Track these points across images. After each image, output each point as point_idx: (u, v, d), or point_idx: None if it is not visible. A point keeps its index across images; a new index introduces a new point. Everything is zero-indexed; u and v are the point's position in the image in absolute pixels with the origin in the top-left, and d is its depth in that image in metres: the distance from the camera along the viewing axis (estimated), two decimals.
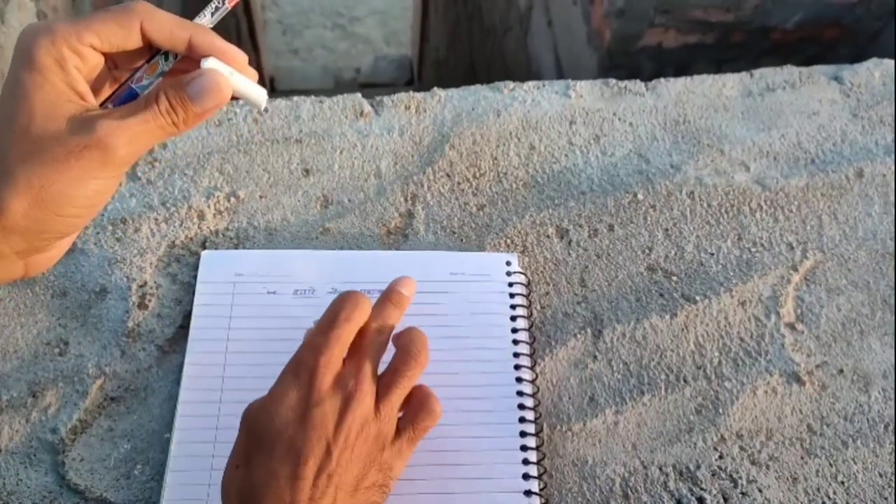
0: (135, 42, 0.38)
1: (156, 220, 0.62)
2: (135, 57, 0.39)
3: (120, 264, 0.60)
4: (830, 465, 0.56)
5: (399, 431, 0.48)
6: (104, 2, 1.28)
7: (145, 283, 0.59)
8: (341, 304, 0.48)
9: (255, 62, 3.26)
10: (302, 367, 0.46)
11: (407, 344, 0.50)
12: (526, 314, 0.59)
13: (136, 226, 0.62)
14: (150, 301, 0.59)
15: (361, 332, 0.49)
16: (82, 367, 0.56)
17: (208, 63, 0.39)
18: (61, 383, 0.55)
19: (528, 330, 0.58)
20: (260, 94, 0.42)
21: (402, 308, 0.51)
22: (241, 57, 0.40)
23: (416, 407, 0.50)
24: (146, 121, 0.37)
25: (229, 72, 0.40)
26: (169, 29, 0.38)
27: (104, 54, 0.38)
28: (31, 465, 0.52)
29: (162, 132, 0.38)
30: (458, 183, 0.67)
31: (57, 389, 0.55)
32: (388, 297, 0.52)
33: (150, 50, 0.39)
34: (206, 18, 0.41)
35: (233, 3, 0.41)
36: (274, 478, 0.43)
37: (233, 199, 0.64)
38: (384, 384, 0.48)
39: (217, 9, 0.41)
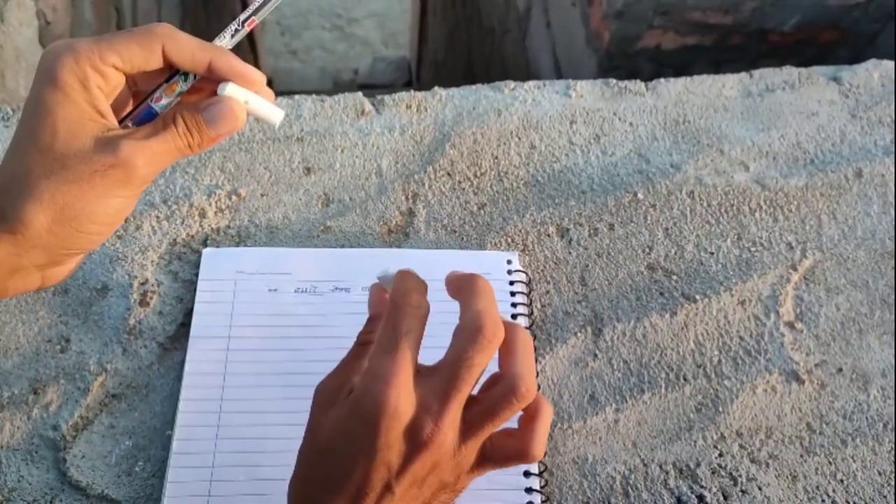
0: (156, 63, 0.39)
1: (157, 217, 0.62)
2: (155, 77, 0.40)
3: (121, 262, 0.60)
4: (830, 463, 0.56)
5: (481, 462, 0.42)
6: (102, 1, 1.28)
7: (147, 280, 0.59)
8: (405, 306, 0.41)
9: (254, 63, 3.26)
10: (367, 399, 0.38)
11: (516, 376, 0.41)
12: (527, 312, 0.59)
13: (137, 223, 0.62)
14: (151, 298, 0.59)
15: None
16: (84, 364, 0.56)
17: (226, 90, 0.40)
18: (63, 380, 0.55)
19: (529, 328, 0.58)
20: (276, 115, 0.42)
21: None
22: (260, 78, 0.41)
23: (516, 445, 0.43)
24: (165, 142, 0.38)
25: (245, 98, 0.41)
26: (190, 51, 0.39)
27: (125, 74, 0.39)
28: (32, 462, 0.52)
29: (178, 153, 0.39)
30: (459, 182, 0.67)
31: (58, 386, 0.55)
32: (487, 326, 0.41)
33: (170, 70, 0.40)
34: (226, 40, 0.41)
35: (251, 26, 0.42)
36: (334, 499, 0.39)
37: (234, 197, 0.64)
38: (474, 422, 0.41)
39: (237, 31, 0.42)
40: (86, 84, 0.37)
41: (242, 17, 0.41)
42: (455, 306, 0.59)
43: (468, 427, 0.41)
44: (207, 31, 2.27)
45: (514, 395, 0.41)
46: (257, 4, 0.42)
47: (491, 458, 0.42)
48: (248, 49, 3.17)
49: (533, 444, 0.43)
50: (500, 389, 0.41)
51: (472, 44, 2.39)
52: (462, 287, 0.43)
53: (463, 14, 2.53)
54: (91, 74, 0.37)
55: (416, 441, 0.39)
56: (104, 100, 0.38)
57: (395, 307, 0.41)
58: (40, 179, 0.36)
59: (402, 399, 0.38)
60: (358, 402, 0.39)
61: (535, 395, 0.42)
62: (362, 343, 0.44)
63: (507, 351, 0.42)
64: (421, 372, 0.41)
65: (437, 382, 0.40)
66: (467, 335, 0.40)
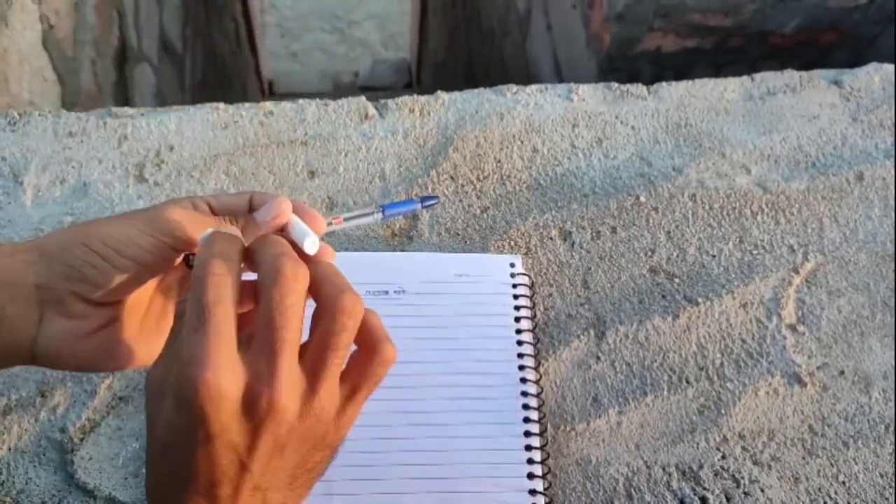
0: (242, 207, 0.43)
1: None
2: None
3: None
4: (832, 465, 0.57)
5: (345, 398, 0.39)
6: (105, 4, 1.28)
7: None
8: (207, 275, 0.36)
9: (254, 65, 3.26)
10: (186, 387, 0.34)
11: (328, 295, 0.38)
12: (530, 315, 0.59)
13: None
14: None
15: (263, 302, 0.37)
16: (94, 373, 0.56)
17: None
18: (70, 383, 0.55)
19: (532, 331, 0.59)
20: (309, 244, 0.42)
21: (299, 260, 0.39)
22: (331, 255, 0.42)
23: (366, 358, 0.39)
24: (208, 214, 0.42)
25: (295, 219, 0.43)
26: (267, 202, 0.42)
27: (214, 212, 0.43)
28: (40, 464, 0.52)
29: (216, 225, 0.41)
30: (462, 185, 0.67)
31: (65, 389, 0.55)
32: (280, 247, 0.39)
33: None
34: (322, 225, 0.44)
35: (338, 224, 0.45)
36: (188, 495, 0.36)
37: None
38: (316, 364, 0.37)
39: (331, 222, 0.44)
40: (178, 202, 0.42)
41: (330, 218, 0.45)
42: (442, 311, 0.59)
43: (311, 372, 0.37)
44: (208, 34, 2.26)
45: (343, 314, 0.37)
46: (344, 215, 0.45)
47: (355, 385, 0.39)
48: (249, 51, 3.18)
49: (380, 340, 0.39)
50: (325, 318, 0.37)
51: (472, 46, 2.40)
52: (253, 249, 0.40)
53: (463, 16, 2.54)
54: (185, 201, 0.42)
55: (256, 413, 0.35)
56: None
57: (196, 281, 0.36)
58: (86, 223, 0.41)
59: (224, 377, 0.34)
60: (178, 391, 0.35)
61: (363, 306, 0.38)
62: (177, 318, 0.39)
63: (315, 283, 0.38)
64: (240, 341, 0.36)
65: (258, 344, 0.36)
66: (270, 282, 0.36)
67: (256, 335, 0.36)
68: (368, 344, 0.39)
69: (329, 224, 0.44)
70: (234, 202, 0.43)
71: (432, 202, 0.47)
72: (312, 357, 0.37)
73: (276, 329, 0.35)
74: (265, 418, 0.35)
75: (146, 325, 0.42)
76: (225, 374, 0.34)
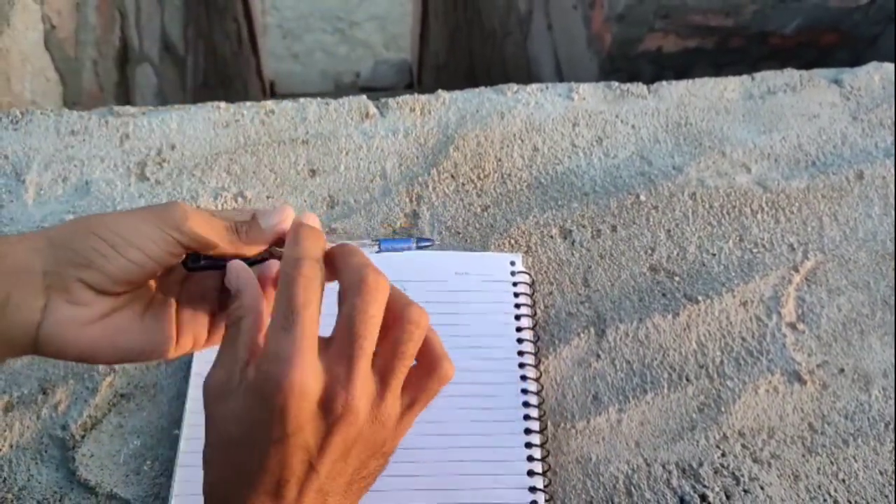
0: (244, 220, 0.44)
1: None
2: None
3: None
4: (831, 462, 0.57)
5: (405, 407, 0.41)
6: (106, 4, 1.28)
7: None
8: (299, 276, 0.38)
9: (256, 66, 3.27)
10: (270, 383, 0.36)
11: (397, 305, 0.40)
12: (530, 314, 0.60)
13: None
14: None
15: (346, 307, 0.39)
16: (92, 364, 0.56)
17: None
18: (71, 380, 0.56)
19: (533, 329, 0.59)
20: None
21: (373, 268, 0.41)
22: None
23: (425, 373, 0.41)
24: (215, 215, 0.42)
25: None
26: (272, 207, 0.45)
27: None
28: (41, 462, 0.53)
29: (225, 231, 0.42)
30: (463, 184, 0.67)
31: (67, 386, 0.55)
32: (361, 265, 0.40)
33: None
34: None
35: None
36: (252, 493, 0.37)
37: (240, 200, 0.65)
38: (386, 371, 0.39)
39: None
40: (195, 207, 0.44)
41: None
42: (443, 310, 0.59)
43: (381, 379, 0.39)
44: (209, 35, 2.26)
45: (412, 324, 0.39)
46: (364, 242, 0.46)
47: (413, 398, 0.41)
48: (251, 52, 3.18)
49: (440, 357, 0.41)
50: (395, 328, 0.39)
51: (473, 46, 2.40)
52: (334, 255, 0.42)
53: (464, 17, 2.54)
54: (198, 209, 0.42)
55: (331, 415, 0.37)
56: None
57: (289, 280, 0.38)
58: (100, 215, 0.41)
59: (308, 376, 0.36)
60: (260, 388, 0.36)
61: (428, 319, 0.40)
62: (233, 324, 0.40)
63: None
64: (320, 343, 0.38)
65: (338, 348, 0.38)
66: (354, 291, 0.38)
67: (337, 339, 0.38)
68: (429, 359, 0.41)
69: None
70: (236, 216, 0.44)
71: (426, 244, 0.48)
72: (382, 364, 0.39)
73: (357, 337, 0.38)
74: (339, 420, 0.37)
75: (146, 320, 0.43)
76: (309, 375, 0.36)
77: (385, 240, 0.47)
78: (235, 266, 0.42)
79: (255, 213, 0.44)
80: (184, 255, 0.42)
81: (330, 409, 0.37)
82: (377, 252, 0.47)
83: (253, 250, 0.43)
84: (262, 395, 0.36)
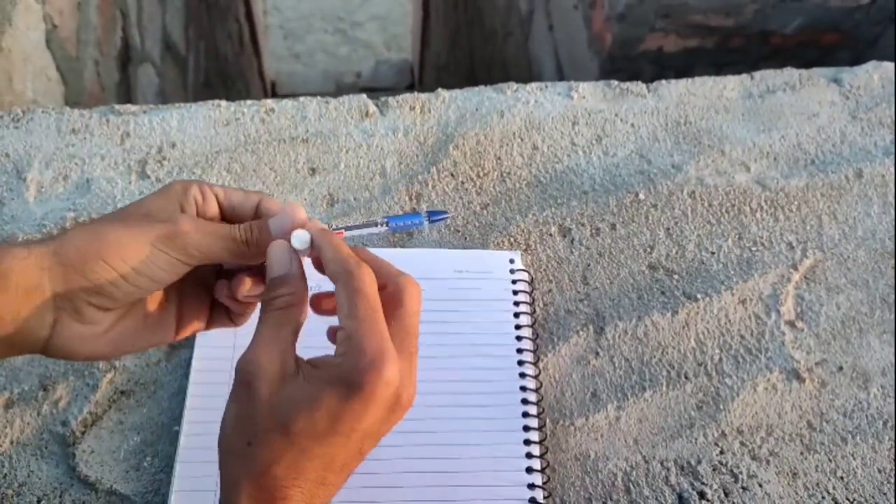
0: (248, 211, 0.44)
1: None
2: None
3: None
4: (830, 460, 0.57)
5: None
6: (108, 4, 1.29)
7: None
8: (364, 281, 0.40)
9: (257, 67, 3.27)
10: (359, 376, 0.38)
11: (395, 281, 0.43)
12: (529, 311, 0.60)
13: None
14: None
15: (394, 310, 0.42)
16: (92, 360, 0.56)
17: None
18: (72, 377, 0.56)
19: (532, 327, 0.59)
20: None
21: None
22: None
23: (401, 314, 0.42)
24: (220, 226, 0.42)
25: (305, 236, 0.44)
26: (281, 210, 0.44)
27: (221, 209, 0.44)
28: (42, 458, 0.53)
29: (233, 243, 0.42)
30: (462, 182, 0.68)
31: (67, 383, 0.56)
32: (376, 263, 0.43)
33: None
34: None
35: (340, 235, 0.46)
36: (301, 477, 0.38)
37: None
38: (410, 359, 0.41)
39: (335, 228, 0.46)
40: (186, 190, 0.43)
41: (332, 226, 0.46)
42: (443, 307, 0.59)
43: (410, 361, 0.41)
44: (211, 35, 2.27)
45: (412, 298, 0.42)
46: (348, 226, 0.46)
47: (405, 352, 0.42)
48: (252, 52, 3.18)
49: (393, 275, 0.43)
50: (399, 308, 0.42)
51: (474, 47, 2.40)
52: (373, 263, 0.43)
53: (465, 17, 2.54)
54: (194, 187, 0.43)
55: (399, 406, 0.39)
56: (193, 206, 0.43)
57: (362, 298, 0.40)
58: (98, 220, 0.42)
59: (396, 371, 0.38)
60: (345, 379, 0.38)
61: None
62: (279, 309, 0.41)
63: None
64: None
65: (399, 345, 0.40)
66: (407, 294, 0.42)
67: (397, 337, 0.40)
68: (391, 290, 0.42)
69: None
70: (242, 202, 0.44)
71: (441, 217, 0.47)
72: (401, 343, 0.40)
73: (414, 335, 0.41)
74: (402, 411, 0.40)
75: (150, 319, 0.44)
76: (396, 370, 0.38)
77: (393, 217, 0.47)
78: (277, 250, 0.42)
79: (259, 205, 0.44)
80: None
81: (398, 402, 0.39)
82: (387, 230, 0.47)
83: (261, 257, 0.43)
84: (348, 386, 0.38)
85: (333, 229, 0.45)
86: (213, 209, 0.44)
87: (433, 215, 0.47)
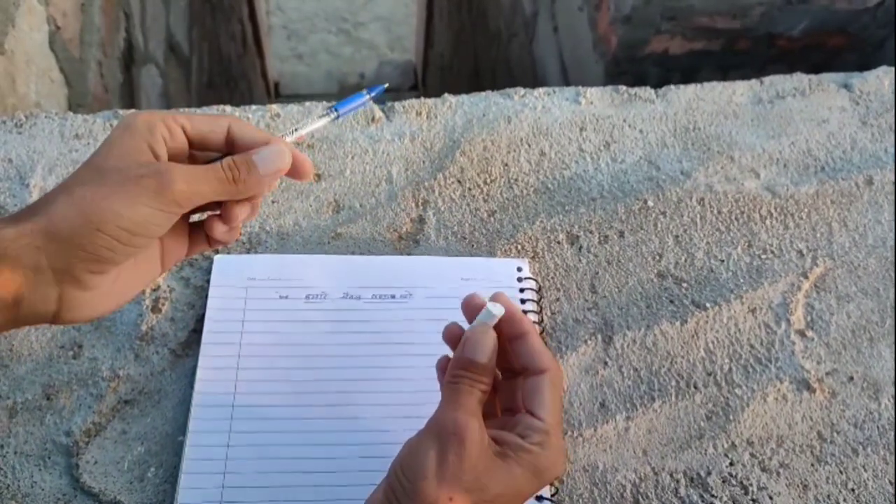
0: (218, 138, 0.44)
1: None
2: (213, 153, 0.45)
3: None
4: (840, 472, 0.56)
5: None
6: (111, 5, 1.28)
7: (158, 286, 0.60)
8: (563, 380, 0.48)
9: (260, 67, 3.27)
10: (545, 470, 0.43)
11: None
12: (537, 320, 0.59)
13: None
14: (163, 305, 0.59)
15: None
16: (96, 370, 0.56)
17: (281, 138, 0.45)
18: (75, 386, 0.55)
19: (539, 335, 0.58)
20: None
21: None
22: (310, 169, 0.46)
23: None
24: (207, 170, 0.42)
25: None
26: (251, 137, 0.44)
27: (189, 139, 0.43)
28: (45, 468, 0.52)
29: (221, 186, 0.42)
30: (469, 189, 0.67)
31: (71, 392, 0.55)
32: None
33: (227, 151, 0.44)
34: (289, 137, 0.46)
35: (300, 139, 0.47)
36: None
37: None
38: None
39: (296, 131, 0.47)
40: (152, 129, 0.42)
41: (293, 129, 0.47)
42: (449, 315, 0.59)
43: None
44: (214, 36, 2.26)
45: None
46: (304, 124, 0.47)
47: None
48: (255, 53, 3.18)
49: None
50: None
51: (478, 48, 2.40)
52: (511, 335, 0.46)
53: (469, 18, 2.53)
54: (159, 124, 0.42)
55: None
56: (163, 146, 0.42)
57: (548, 385, 0.45)
58: (78, 184, 0.40)
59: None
60: (547, 475, 0.43)
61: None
62: (483, 391, 0.44)
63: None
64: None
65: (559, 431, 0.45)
66: (556, 381, 0.45)
67: (557, 423, 0.45)
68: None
69: (291, 139, 0.46)
70: (210, 129, 0.44)
71: (379, 90, 0.48)
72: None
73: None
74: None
75: (140, 264, 0.44)
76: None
77: (339, 104, 0.47)
78: (488, 340, 0.44)
79: (229, 130, 0.44)
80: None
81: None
82: (337, 118, 0.48)
83: (250, 192, 0.44)
84: (539, 477, 0.43)
85: (288, 134, 0.46)
86: (182, 142, 0.43)
87: (371, 90, 0.48)
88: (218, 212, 0.45)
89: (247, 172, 0.43)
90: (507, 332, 0.45)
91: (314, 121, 0.47)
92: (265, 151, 0.43)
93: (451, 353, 0.47)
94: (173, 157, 0.43)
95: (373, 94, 0.48)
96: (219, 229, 0.46)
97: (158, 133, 0.42)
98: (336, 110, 0.48)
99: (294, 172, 0.45)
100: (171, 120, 0.42)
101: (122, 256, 0.41)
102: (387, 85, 0.50)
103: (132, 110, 0.43)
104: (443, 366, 0.47)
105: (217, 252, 0.61)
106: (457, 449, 0.41)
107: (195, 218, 0.47)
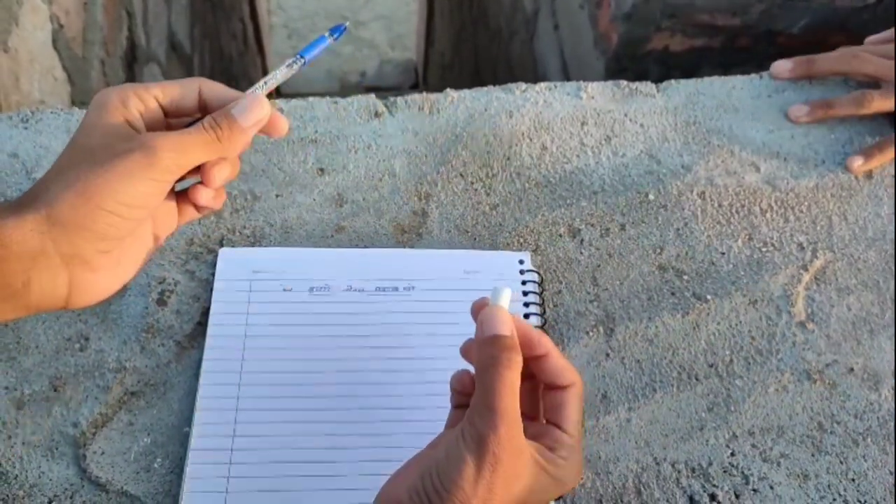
0: (191, 102, 0.44)
1: None
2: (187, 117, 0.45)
3: None
4: (841, 462, 0.56)
5: None
6: (114, 4, 1.29)
7: (164, 279, 0.60)
8: (576, 396, 0.46)
9: (261, 65, 3.27)
10: (566, 484, 0.44)
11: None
12: (539, 312, 0.60)
13: None
14: (169, 297, 0.59)
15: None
16: (103, 362, 0.56)
17: (252, 92, 0.45)
18: (82, 378, 0.56)
19: (542, 328, 0.59)
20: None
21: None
22: (285, 124, 0.47)
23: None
24: (190, 133, 0.42)
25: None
26: (223, 96, 0.44)
27: (163, 107, 0.44)
28: (52, 459, 0.53)
29: (206, 145, 0.43)
30: (472, 182, 0.68)
31: (78, 384, 0.56)
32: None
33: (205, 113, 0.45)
34: (261, 91, 0.46)
35: (269, 90, 0.47)
36: None
37: (249, 198, 0.65)
38: None
39: (266, 83, 0.47)
40: (126, 104, 0.42)
41: (262, 83, 0.47)
42: (452, 308, 0.59)
43: None
44: (216, 34, 2.27)
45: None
46: (273, 75, 0.47)
47: None
48: (256, 51, 3.19)
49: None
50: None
51: (478, 46, 2.40)
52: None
53: (470, 16, 2.54)
54: (132, 98, 0.42)
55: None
56: (140, 119, 0.43)
57: (571, 400, 0.46)
58: (68, 167, 0.41)
59: None
60: (567, 487, 0.45)
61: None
62: (507, 367, 0.43)
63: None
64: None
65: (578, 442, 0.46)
66: (578, 390, 0.46)
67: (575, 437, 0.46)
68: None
69: (263, 93, 0.46)
70: (183, 95, 0.44)
71: (341, 31, 0.48)
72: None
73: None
74: None
75: (138, 238, 0.45)
76: None
77: (304, 50, 0.48)
78: (493, 312, 0.45)
79: (200, 90, 0.44)
80: None
81: None
82: (304, 65, 0.48)
83: (237, 150, 0.44)
84: (562, 489, 0.44)
85: (259, 88, 0.46)
86: (157, 111, 0.44)
87: (334, 31, 0.48)
88: (198, 178, 0.46)
89: (228, 128, 0.43)
90: (527, 354, 0.45)
91: (283, 70, 0.47)
92: (242, 103, 0.43)
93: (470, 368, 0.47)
94: (150, 127, 0.43)
95: (336, 36, 0.48)
96: (204, 196, 0.46)
97: (133, 106, 0.42)
98: (301, 56, 0.48)
99: (270, 128, 0.46)
100: (144, 90, 0.43)
101: (124, 231, 0.42)
102: (347, 23, 0.50)
103: (106, 88, 0.44)
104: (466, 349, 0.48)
105: (221, 245, 0.62)
106: (493, 461, 0.40)
107: (179, 187, 0.47)
